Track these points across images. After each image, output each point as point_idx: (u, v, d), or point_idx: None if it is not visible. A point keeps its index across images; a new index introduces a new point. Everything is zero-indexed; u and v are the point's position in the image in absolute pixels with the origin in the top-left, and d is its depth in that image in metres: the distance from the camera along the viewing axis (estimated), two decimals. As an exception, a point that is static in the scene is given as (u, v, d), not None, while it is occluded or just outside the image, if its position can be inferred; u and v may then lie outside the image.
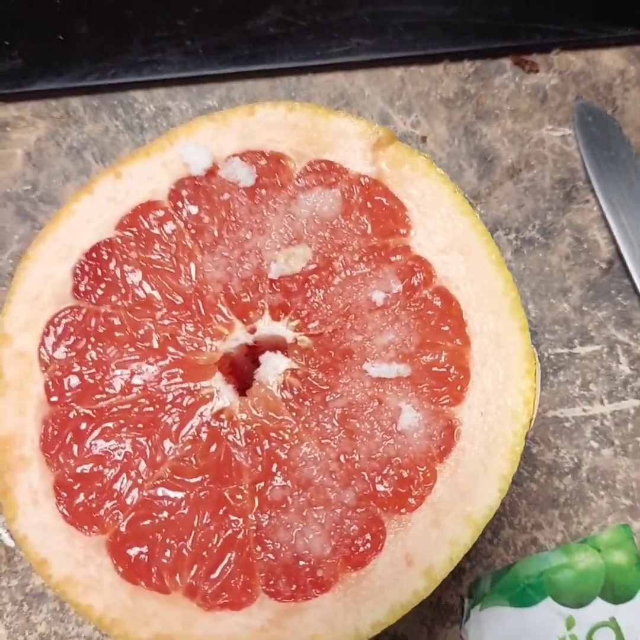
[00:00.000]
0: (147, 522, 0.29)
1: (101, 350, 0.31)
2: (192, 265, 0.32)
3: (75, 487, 0.29)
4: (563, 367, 0.41)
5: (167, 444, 0.30)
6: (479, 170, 0.45)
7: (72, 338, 0.31)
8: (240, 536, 0.28)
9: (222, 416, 0.30)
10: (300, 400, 0.30)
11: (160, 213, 0.32)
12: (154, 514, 0.29)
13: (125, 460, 0.29)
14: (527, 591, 0.35)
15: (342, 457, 0.29)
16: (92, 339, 0.31)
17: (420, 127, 0.46)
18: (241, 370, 0.33)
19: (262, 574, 0.28)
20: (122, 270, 0.32)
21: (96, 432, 0.30)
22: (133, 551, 0.28)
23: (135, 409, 0.30)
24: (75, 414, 0.30)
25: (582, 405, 0.40)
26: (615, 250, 0.43)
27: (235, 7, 0.48)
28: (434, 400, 0.29)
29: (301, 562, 0.28)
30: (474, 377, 0.30)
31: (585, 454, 0.39)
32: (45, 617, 0.38)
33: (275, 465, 0.29)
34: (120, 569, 0.28)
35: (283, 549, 0.28)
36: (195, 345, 0.31)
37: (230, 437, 0.30)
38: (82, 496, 0.29)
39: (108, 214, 0.32)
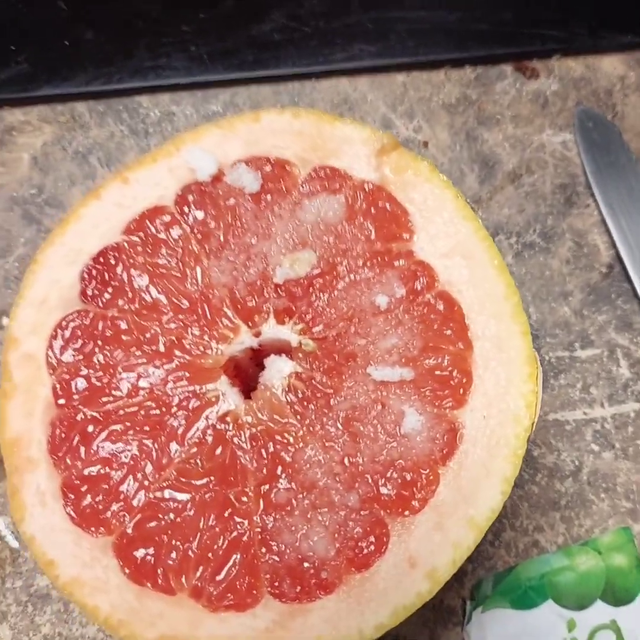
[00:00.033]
0: (153, 523, 0.29)
1: (108, 354, 0.31)
2: (198, 270, 0.32)
3: (83, 489, 0.30)
4: (564, 370, 0.42)
5: (173, 446, 0.30)
6: (480, 175, 0.46)
7: (80, 341, 0.31)
8: (245, 538, 0.29)
9: (228, 419, 0.30)
10: (305, 403, 0.30)
11: (167, 218, 0.33)
12: (160, 515, 0.29)
13: (131, 462, 0.30)
14: (528, 593, 0.35)
15: (346, 460, 0.29)
16: (99, 343, 0.31)
17: (422, 132, 0.47)
18: (246, 373, 0.33)
19: (267, 576, 0.28)
20: (129, 275, 0.32)
21: (103, 435, 0.30)
22: (139, 553, 0.29)
23: (142, 412, 0.30)
24: (83, 416, 0.30)
25: (583, 409, 0.41)
26: (615, 254, 0.44)
27: (239, 13, 0.49)
28: (436, 404, 0.30)
29: (305, 564, 0.28)
30: (477, 380, 0.30)
31: (586, 456, 0.40)
32: (50, 618, 0.38)
33: (280, 468, 0.30)
34: (127, 571, 0.29)
35: (288, 550, 0.29)
36: (201, 348, 0.31)
37: (235, 439, 0.30)
38: (89, 498, 0.29)
39: (115, 219, 0.33)
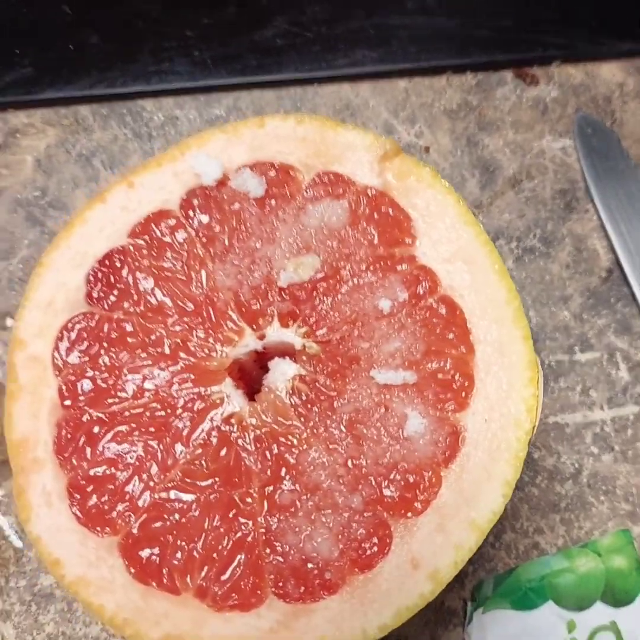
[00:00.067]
0: (159, 524, 0.29)
1: (114, 355, 0.31)
2: (203, 273, 0.32)
3: (88, 489, 0.30)
4: (564, 373, 0.42)
5: (178, 447, 0.30)
6: (481, 180, 0.46)
7: (85, 343, 0.32)
8: (249, 539, 0.29)
9: (232, 421, 0.31)
10: (309, 405, 0.31)
11: (172, 222, 0.33)
12: (165, 516, 0.29)
13: (137, 463, 0.30)
14: (528, 595, 0.35)
15: (349, 462, 0.30)
16: (105, 344, 0.32)
17: (423, 137, 0.47)
18: (250, 375, 0.33)
19: (271, 576, 0.29)
20: (134, 277, 0.32)
21: (109, 436, 0.30)
22: (145, 552, 0.29)
23: (147, 413, 0.31)
24: (88, 417, 0.31)
25: (583, 411, 0.41)
26: (614, 259, 0.44)
27: (242, 19, 0.49)
28: (439, 407, 0.30)
29: (309, 565, 0.29)
30: (478, 384, 0.30)
31: (585, 459, 0.40)
32: (53, 617, 0.38)
33: (284, 470, 0.30)
34: (132, 570, 0.29)
35: (292, 551, 0.29)
36: (206, 351, 0.32)
37: (240, 441, 0.30)
38: (94, 498, 0.30)
39: (121, 222, 0.33)
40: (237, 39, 0.49)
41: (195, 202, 0.33)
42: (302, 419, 0.31)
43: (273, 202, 0.33)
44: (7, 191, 0.46)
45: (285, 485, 0.30)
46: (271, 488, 0.30)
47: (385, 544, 0.29)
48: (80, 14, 0.50)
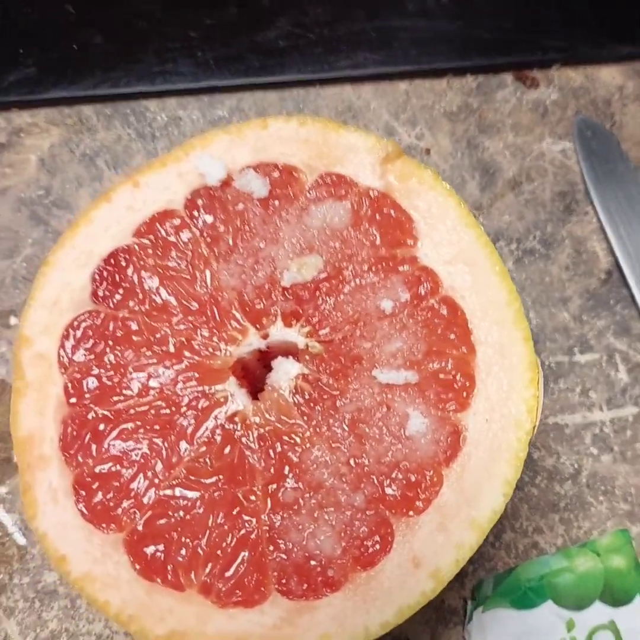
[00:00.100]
0: (163, 521, 0.30)
1: (119, 354, 0.32)
2: (208, 273, 0.33)
3: (94, 486, 0.30)
4: (563, 374, 0.42)
5: (183, 445, 0.31)
6: (481, 182, 0.47)
7: (91, 341, 0.32)
8: (253, 536, 0.29)
9: (236, 419, 0.31)
10: (312, 404, 0.31)
11: (177, 222, 0.33)
12: (170, 513, 0.30)
13: (142, 460, 0.30)
14: (528, 594, 0.36)
15: (352, 461, 0.30)
16: (110, 343, 0.32)
17: (424, 139, 0.48)
18: (253, 374, 0.34)
19: (275, 573, 0.29)
20: (139, 276, 0.33)
21: (114, 433, 0.31)
22: (149, 549, 0.29)
23: (152, 411, 0.31)
24: (94, 415, 0.31)
25: (582, 412, 0.41)
26: (613, 261, 0.44)
27: (245, 20, 0.49)
28: (440, 407, 0.30)
29: (312, 562, 0.29)
30: (479, 384, 0.31)
31: (585, 459, 0.41)
32: (57, 614, 0.38)
33: (287, 468, 0.30)
34: (137, 566, 0.29)
35: (295, 549, 0.29)
36: (210, 349, 0.32)
37: (243, 439, 0.31)
38: (100, 495, 0.30)
39: (126, 222, 0.33)
40: (240, 40, 0.49)
41: (199, 202, 0.33)
42: (305, 418, 0.31)
43: (276, 202, 0.33)
44: (11, 190, 0.47)
45: (289, 483, 0.30)
46: (274, 486, 0.30)
47: (387, 542, 0.29)
48: (84, 14, 0.50)
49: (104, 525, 0.30)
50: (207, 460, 0.30)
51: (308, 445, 0.30)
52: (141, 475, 0.30)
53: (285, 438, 0.31)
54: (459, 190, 0.46)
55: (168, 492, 0.30)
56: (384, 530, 0.29)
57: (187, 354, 0.32)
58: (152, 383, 0.31)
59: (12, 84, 0.48)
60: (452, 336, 0.31)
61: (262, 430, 0.31)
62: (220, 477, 0.30)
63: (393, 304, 0.32)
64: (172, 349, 0.32)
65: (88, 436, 0.31)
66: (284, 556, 0.29)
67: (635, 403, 0.42)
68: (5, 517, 0.40)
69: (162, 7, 0.50)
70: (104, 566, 0.29)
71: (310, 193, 0.33)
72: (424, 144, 0.47)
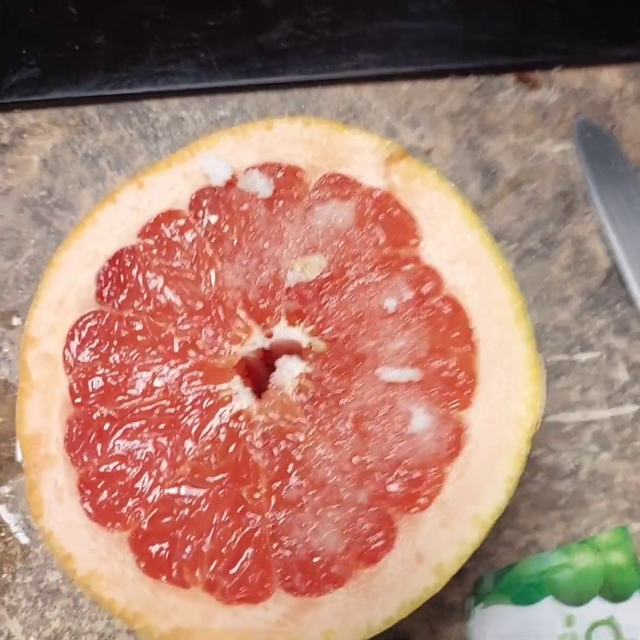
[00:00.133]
0: (168, 519, 0.30)
1: (124, 354, 0.32)
2: (212, 273, 0.33)
3: (99, 486, 0.30)
4: (563, 373, 0.43)
5: (188, 444, 0.31)
6: (482, 182, 0.47)
7: (96, 341, 0.32)
8: (257, 533, 0.30)
9: (240, 418, 0.31)
10: (315, 403, 0.31)
11: (182, 222, 0.33)
12: (175, 511, 0.30)
13: (147, 459, 0.31)
14: (528, 590, 0.36)
15: (355, 459, 0.30)
16: (115, 343, 0.32)
17: (425, 140, 0.48)
18: (256, 373, 0.34)
19: (279, 570, 0.29)
20: (144, 277, 0.33)
21: (119, 433, 0.31)
22: (154, 547, 0.30)
23: (157, 411, 0.31)
24: (99, 414, 0.31)
25: (582, 410, 0.42)
26: (613, 261, 0.45)
27: (248, 21, 0.50)
28: (443, 405, 0.31)
29: (316, 559, 0.29)
30: (482, 382, 0.31)
31: (584, 457, 0.41)
32: (60, 613, 0.39)
33: (291, 466, 0.30)
34: (142, 564, 0.30)
35: (298, 546, 0.29)
36: (215, 349, 0.32)
37: (247, 438, 0.31)
38: (105, 494, 0.30)
39: (131, 222, 0.34)
40: (243, 41, 0.49)
41: (204, 202, 0.34)
42: (309, 416, 0.31)
43: (281, 203, 0.34)
44: (13, 191, 0.47)
45: (292, 481, 0.30)
46: (278, 484, 0.30)
47: (390, 539, 0.29)
48: (87, 15, 0.50)
49: (109, 524, 0.30)
50: (212, 458, 0.31)
51: (312, 443, 0.31)
52: (146, 474, 0.30)
53: (289, 436, 0.31)
54: (460, 190, 0.46)
55: (173, 490, 0.30)
56: (387, 527, 0.30)
57: (191, 353, 0.32)
58: (157, 382, 0.32)
59: (15, 84, 0.49)
60: (455, 335, 0.31)
61: (266, 429, 0.31)
62: (225, 475, 0.30)
63: (396, 302, 0.32)
64: (176, 349, 0.32)
65: (93, 436, 0.31)
66: (287, 553, 0.29)
67: (634, 401, 0.42)
68: (9, 517, 0.40)
69: (165, 9, 0.50)
70: (110, 564, 0.29)
71: (314, 193, 0.34)
72: (426, 145, 0.48)
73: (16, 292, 0.45)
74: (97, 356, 0.32)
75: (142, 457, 0.31)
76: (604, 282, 0.44)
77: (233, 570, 0.29)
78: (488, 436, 0.30)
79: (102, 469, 0.31)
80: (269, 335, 0.33)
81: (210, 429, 0.31)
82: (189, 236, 0.33)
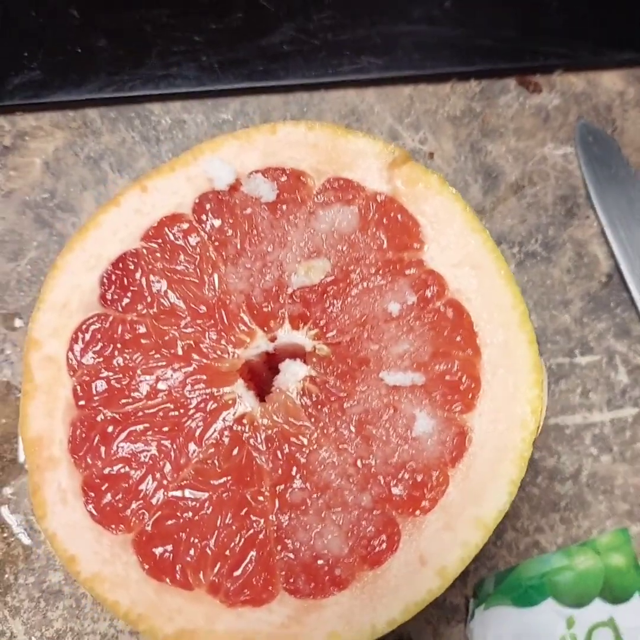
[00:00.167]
0: (172, 521, 0.30)
1: (127, 357, 0.32)
2: (216, 276, 0.33)
3: (103, 488, 0.30)
4: (564, 376, 0.43)
5: (191, 446, 0.31)
6: (484, 186, 0.47)
7: (100, 344, 0.32)
8: (261, 536, 0.30)
9: (244, 421, 0.31)
10: (319, 406, 0.31)
11: (185, 225, 0.34)
12: (179, 514, 0.30)
13: (150, 462, 0.31)
14: (529, 592, 0.36)
15: (359, 462, 0.31)
16: (119, 346, 0.32)
17: (427, 143, 0.48)
18: (260, 377, 0.34)
19: (282, 572, 0.29)
20: (147, 280, 0.33)
21: (123, 435, 0.31)
22: (158, 549, 0.30)
23: (161, 413, 0.31)
24: (103, 417, 0.31)
25: (582, 413, 0.42)
26: (614, 264, 0.45)
27: (250, 25, 0.50)
28: (446, 408, 0.31)
29: (320, 561, 0.29)
30: (485, 386, 0.31)
31: (585, 460, 0.41)
32: (62, 613, 0.39)
33: (294, 469, 0.31)
34: (146, 566, 0.30)
35: (302, 548, 0.30)
36: (218, 352, 0.32)
37: (251, 441, 0.31)
38: (109, 496, 0.30)
39: (134, 226, 0.34)
40: (245, 44, 0.49)
41: (207, 206, 0.34)
42: (313, 420, 0.31)
43: (284, 207, 0.34)
44: (15, 193, 0.47)
45: (296, 484, 0.30)
46: (282, 487, 0.30)
47: (394, 541, 0.30)
48: (88, 17, 0.50)
49: (113, 526, 0.30)
50: (216, 461, 0.31)
51: (315, 446, 0.31)
52: (150, 476, 0.30)
53: (293, 439, 0.31)
54: (462, 193, 0.47)
55: (176, 493, 0.30)
56: (391, 530, 0.30)
57: (195, 356, 0.32)
58: (161, 385, 0.32)
59: (17, 87, 0.49)
60: (458, 338, 0.32)
61: (269, 432, 0.31)
62: (229, 478, 0.31)
63: (400, 306, 0.32)
64: (180, 352, 0.32)
65: (97, 438, 0.31)
66: (291, 556, 0.29)
67: (634, 404, 0.42)
68: (11, 518, 0.41)
69: (167, 12, 0.50)
70: (113, 566, 0.30)
71: (317, 197, 0.34)
72: (428, 148, 0.48)
73: (18, 294, 0.45)
74: (101, 359, 0.32)
75: (146, 460, 0.31)
76: (604, 286, 0.45)
77: (237, 573, 0.29)
78: (491, 439, 0.31)
79: (106, 471, 0.31)
80: (273, 339, 0.33)
81: (214, 432, 0.31)
82: (193, 240, 0.33)
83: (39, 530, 0.40)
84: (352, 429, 0.31)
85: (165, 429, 0.31)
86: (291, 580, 0.29)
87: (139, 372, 0.32)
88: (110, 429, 0.31)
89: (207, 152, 0.34)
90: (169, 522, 0.30)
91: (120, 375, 0.32)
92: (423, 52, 0.49)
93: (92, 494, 0.30)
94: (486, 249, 0.33)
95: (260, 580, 0.29)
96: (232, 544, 0.30)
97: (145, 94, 0.49)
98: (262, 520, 0.30)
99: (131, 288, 0.33)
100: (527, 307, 0.32)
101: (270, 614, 0.29)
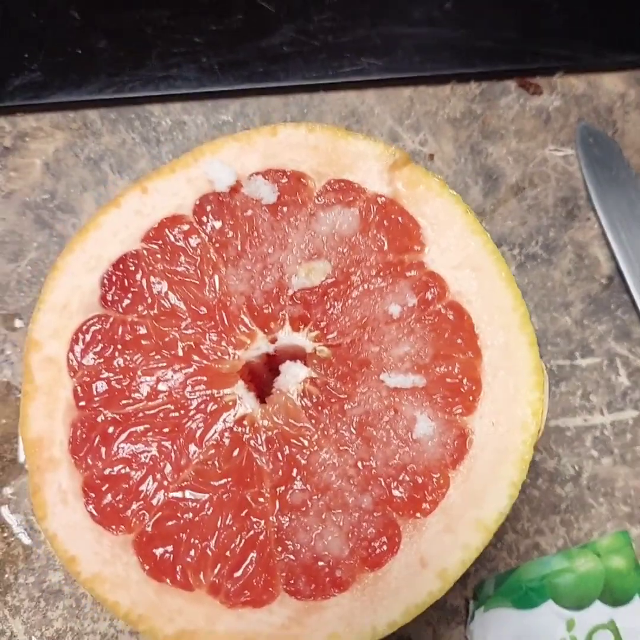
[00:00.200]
0: (172, 522, 0.30)
1: (128, 358, 0.32)
2: (216, 278, 0.33)
3: (103, 488, 0.30)
4: (565, 378, 0.43)
5: (192, 448, 0.31)
6: (485, 187, 0.47)
7: (100, 345, 0.32)
8: (261, 537, 0.30)
9: (245, 422, 0.31)
10: (319, 408, 0.31)
11: (186, 227, 0.34)
12: (179, 514, 0.30)
13: (151, 463, 0.31)
14: (529, 594, 0.36)
15: (359, 464, 0.31)
16: (119, 347, 0.32)
17: (428, 145, 0.48)
18: (260, 378, 0.34)
19: (283, 574, 0.29)
20: (148, 281, 0.33)
21: (123, 436, 0.31)
22: (158, 550, 0.30)
23: (161, 414, 0.31)
24: (103, 418, 0.31)
25: (583, 416, 0.42)
26: (615, 266, 0.45)
27: (250, 26, 0.50)
28: (447, 410, 0.31)
29: (320, 563, 0.29)
30: (486, 388, 0.31)
31: (585, 462, 0.41)
32: (62, 613, 0.39)
33: (295, 470, 0.31)
34: (146, 567, 0.30)
35: (303, 549, 0.30)
36: (219, 353, 0.32)
37: (252, 442, 0.31)
38: (109, 497, 0.30)
39: (134, 227, 0.34)
40: (245, 46, 0.50)
41: (208, 207, 0.34)
42: (313, 421, 0.31)
43: (285, 208, 0.34)
44: (16, 194, 0.47)
45: (297, 485, 0.30)
46: (283, 488, 0.30)
47: (395, 543, 0.30)
48: (89, 18, 0.50)
49: (113, 526, 0.30)
50: (216, 462, 0.31)
51: (316, 448, 0.31)
52: (150, 477, 0.30)
53: (293, 441, 0.31)
54: (463, 195, 0.47)
55: (177, 494, 0.30)
56: (391, 532, 0.30)
57: (195, 357, 0.32)
58: (161, 387, 0.32)
59: (17, 88, 0.49)
60: (459, 340, 0.32)
61: (270, 433, 0.31)
62: (229, 479, 0.31)
63: (400, 308, 0.32)
64: (180, 353, 0.32)
65: (97, 439, 0.31)
66: (292, 557, 0.29)
67: (635, 407, 0.42)
68: (11, 518, 0.40)
69: (167, 13, 0.50)
70: (114, 567, 0.30)
71: (318, 199, 0.34)
72: (428, 150, 0.48)
73: (18, 295, 0.45)
74: (101, 360, 0.32)
75: (147, 461, 0.31)
76: (605, 288, 0.45)
77: (237, 574, 0.29)
78: (492, 441, 0.31)
79: (106, 472, 0.31)
80: (273, 340, 0.33)
81: (214, 433, 0.31)
82: (193, 241, 0.33)
83: (39, 530, 0.40)
84: (353, 430, 0.31)
85: (166, 430, 0.31)
86: (292, 581, 0.29)
87: (139, 373, 0.32)
88: (110, 429, 0.31)
89: (208, 154, 0.34)
90: (170, 523, 0.30)
91: (121, 376, 0.32)
92: (423, 53, 0.49)
93: (93, 495, 0.30)
94: (487, 251, 0.33)
95: (261, 582, 0.29)
96: (233, 545, 0.30)
97: (146, 95, 0.49)
98: (262, 522, 0.30)
99: (132, 289, 0.33)
100: (527, 309, 0.32)
101: (270, 615, 0.29)
